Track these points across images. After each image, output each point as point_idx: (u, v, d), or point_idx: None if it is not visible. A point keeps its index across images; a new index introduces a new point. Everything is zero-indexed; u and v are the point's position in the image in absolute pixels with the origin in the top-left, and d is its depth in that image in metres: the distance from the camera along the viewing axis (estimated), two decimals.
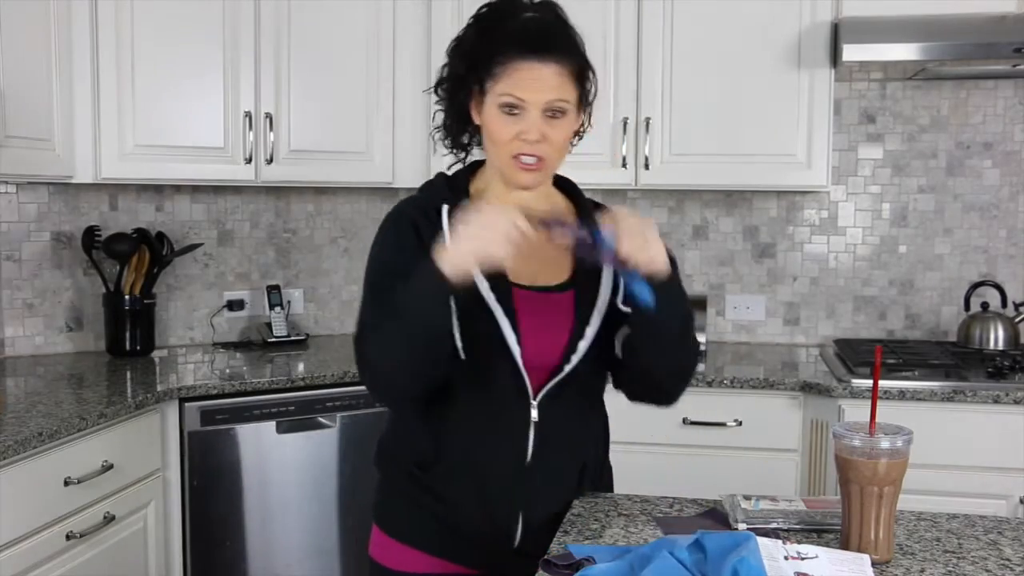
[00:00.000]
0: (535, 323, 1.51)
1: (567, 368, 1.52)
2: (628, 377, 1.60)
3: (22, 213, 2.97)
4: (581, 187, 1.67)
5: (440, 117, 1.59)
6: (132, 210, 3.18)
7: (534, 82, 1.45)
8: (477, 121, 1.53)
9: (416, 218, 1.53)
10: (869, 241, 3.35)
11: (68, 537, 2.18)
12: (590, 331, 1.53)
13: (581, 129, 1.58)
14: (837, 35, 2.91)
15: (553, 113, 1.47)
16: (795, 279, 3.40)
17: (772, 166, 3.04)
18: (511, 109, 1.46)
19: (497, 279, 1.48)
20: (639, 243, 1.38)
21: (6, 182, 2.90)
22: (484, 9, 1.53)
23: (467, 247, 1.36)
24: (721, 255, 3.43)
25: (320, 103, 3.06)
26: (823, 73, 2.97)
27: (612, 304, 1.55)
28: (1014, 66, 2.89)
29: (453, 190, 1.57)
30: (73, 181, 2.81)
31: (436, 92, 1.59)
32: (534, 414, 1.52)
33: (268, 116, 2.96)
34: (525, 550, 1.53)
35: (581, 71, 1.50)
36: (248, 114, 2.94)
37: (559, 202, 1.63)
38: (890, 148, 3.31)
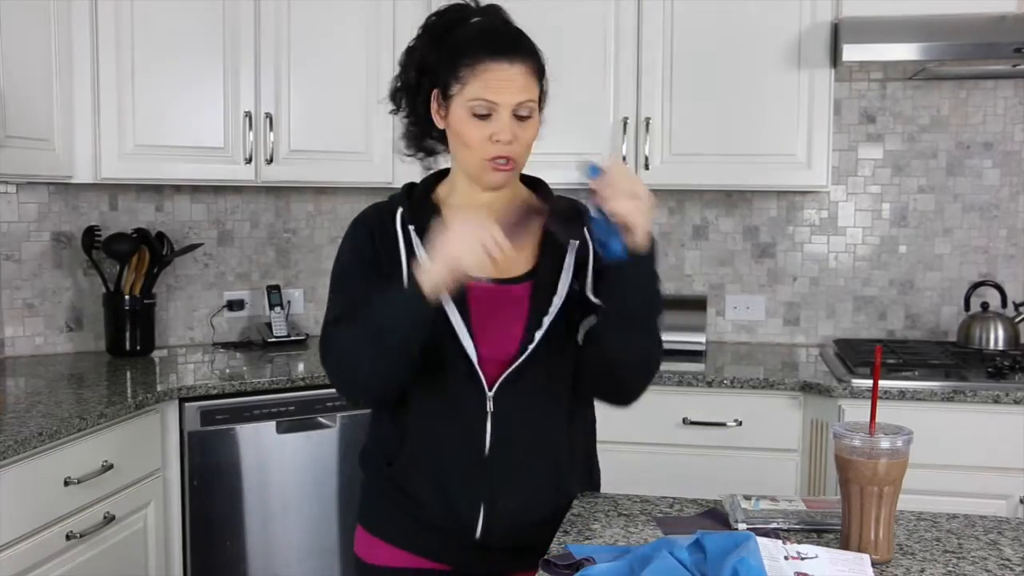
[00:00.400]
0: (489, 316, 1.52)
1: (521, 358, 1.52)
2: (590, 369, 1.57)
3: (22, 213, 2.97)
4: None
5: (400, 127, 1.63)
6: (132, 210, 3.18)
7: (504, 83, 1.47)
8: (441, 126, 1.55)
9: (372, 223, 1.58)
10: (869, 241, 3.35)
11: (68, 537, 2.18)
12: (547, 320, 1.53)
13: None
14: (837, 35, 2.91)
15: (522, 114, 1.49)
16: (795, 279, 3.40)
17: (772, 166, 3.03)
18: (482, 112, 1.48)
19: None
20: (626, 190, 1.37)
21: (6, 182, 2.90)
22: (432, 18, 1.56)
23: (443, 264, 1.39)
24: (721, 255, 3.43)
25: (320, 103, 3.06)
26: (823, 73, 2.97)
27: (577, 296, 1.55)
28: (1014, 66, 2.89)
29: (413, 196, 1.60)
30: (73, 181, 2.81)
31: (393, 103, 1.61)
32: (490, 406, 1.52)
33: (268, 116, 2.96)
34: (489, 543, 1.55)
35: (541, 71, 1.53)
36: (248, 114, 2.94)
37: (527, 199, 1.63)
38: (890, 148, 3.31)
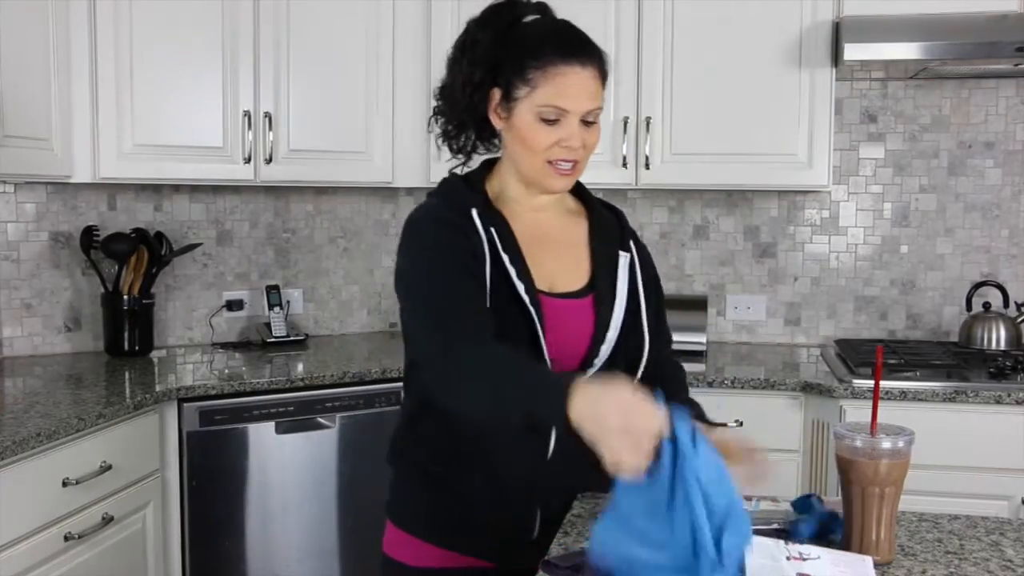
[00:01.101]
0: (558, 328, 1.50)
1: (590, 372, 1.51)
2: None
3: (20, 213, 2.96)
4: (606, 185, 1.67)
5: (442, 122, 1.56)
6: (131, 210, 3.17)
7: (576, 89, 1.44)
8: (499, 126, 1.51)
9: (456, 221, 1.48)
10: (870, 241, 3.34)
11: (66, 538, 2.17)
12: (611, 335, 1.53)
13: None
14: (838, 34, 2.91)
15: (589, 119, 1.47)
16: (796, 279, 3.39)
17: (773, 166, 3.03)
18: (551, 118, 1.44)
19: (528, 285, 1.47)
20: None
21: (4, 182, 2.89)
22: (486, 13, 1.51)
23: (619, 449, 1.14)
24: (722, 255, 3.43)
25: (320, 103, 3.05)
26: (824, 72, 2.97)
27: (632, 307, 1.55)
28: (1016, 65, 2.88)
29: (481, 196, 1.53)
30: (71, 181, 2.80)
31: (441, 96, 1.55)
32: None
33: (267, 116, 2.95)
34: (542, 541, 1.53)
35: (606, 75, 1.50)
36: (247, 113, 2.93)
37: (569, 202, 1.63)
38: (891, 147, 3.30)
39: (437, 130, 1.58)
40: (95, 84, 2.75)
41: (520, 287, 1.46)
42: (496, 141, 1.57)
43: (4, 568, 1.99)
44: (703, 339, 3.18)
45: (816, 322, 3.39)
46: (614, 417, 1.13)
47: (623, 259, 1.56)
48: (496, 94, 1.48)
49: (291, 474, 2.77)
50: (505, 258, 1.46)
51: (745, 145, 3.02)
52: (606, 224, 1.62)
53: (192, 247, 3.20)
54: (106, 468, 2.30)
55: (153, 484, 2.54)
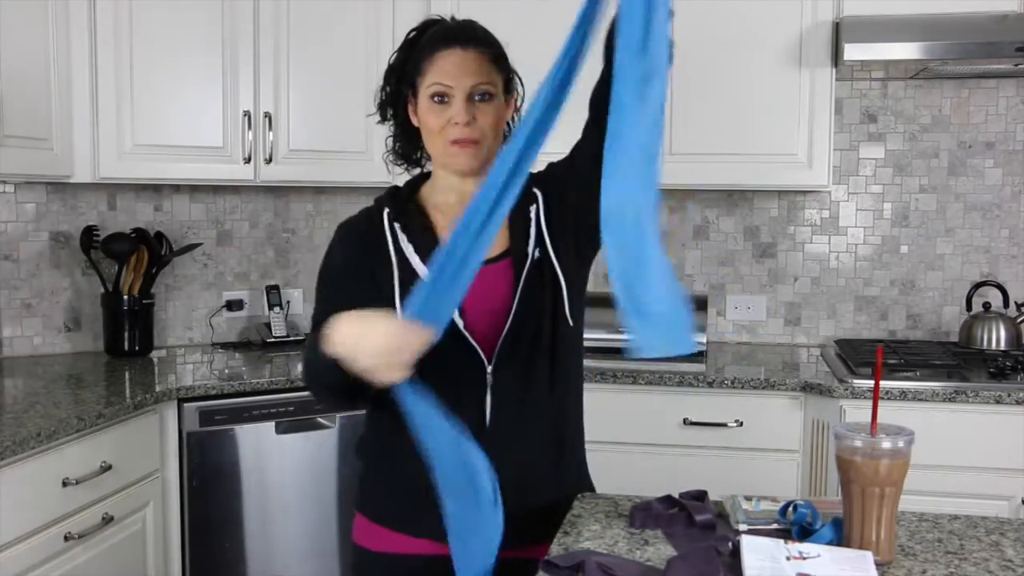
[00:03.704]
0: (476, 295, 1.53)
1: (508, 324, 1.56)
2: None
3: (20, 213, 2.96)
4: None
5: (390, 142, 1.72)
6: (131, 210, 3.17)
7: (456, 67, 1.56)
8: (416, 124, 1.64)
9: (360, 228, 1.66)
10: (870, 241, 3.34)
11: (66, 538, 2.17)
12: (521, 281, 1.58)
13: (511, 120, 1.66)
14: (838, 34, 2.91)
15: (480, 97, 1.57)
16: (796, 279, 3.39)
17: (773, 166, 3.03)
18: (440, 98, 1.56)
19: (431, 258, 1.55)
20: None
21: (4, 181, 2.89)
22: (410, 33, 1.66)
23: (346, 346, 1.43)
24: (722, 255, 3.42)
25: (320, 103, 3.05)
26: (824, 72, 2.97)
27: (550, 265, 1.61)
28: (1016, 65, 2.88)
29: (398, 197, 1.67)
30: (71, 180, 2.80)
31: (381, 115, 1.70)
32: (489, 379, 1.57)
33: (267, 115, 2.95)
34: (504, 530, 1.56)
35: (497, 57, 1.61)
36: (247, 113, 2.93)
37: None
38: (892, 147, 3.30)
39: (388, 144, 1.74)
40: (95, 84, 2.75)
41: (418, 266, 1.57)
42: None
43: (4, 568, 1.99)
44: (703, 339, 3.18)
45: (816, 322, 3.39)
46: (368, 342, 1.41)
47: (531, 211, 1.62)
48: (410, 96, 1.63)
49: (291, 474, 2.77)
50: (408, 247, 1.59)
51: (745, 145, 3.02)
52: (527, 189, 1.65)
53: (192, 247, 3.20)
54: (106, 468, 2.30)
55: (153, 484, 2.54)
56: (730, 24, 3.00)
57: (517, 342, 1.58)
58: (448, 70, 1.56)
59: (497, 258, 1.60)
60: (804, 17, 2.96)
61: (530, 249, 1.61)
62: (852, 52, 2.80)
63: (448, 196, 1.64)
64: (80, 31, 2.72)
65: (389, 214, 1.63)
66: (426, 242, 1.59)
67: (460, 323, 1.56)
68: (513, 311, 1.57)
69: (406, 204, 1.65)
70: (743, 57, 3.00)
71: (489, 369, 1.58)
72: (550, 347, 1.61)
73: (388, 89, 1.67)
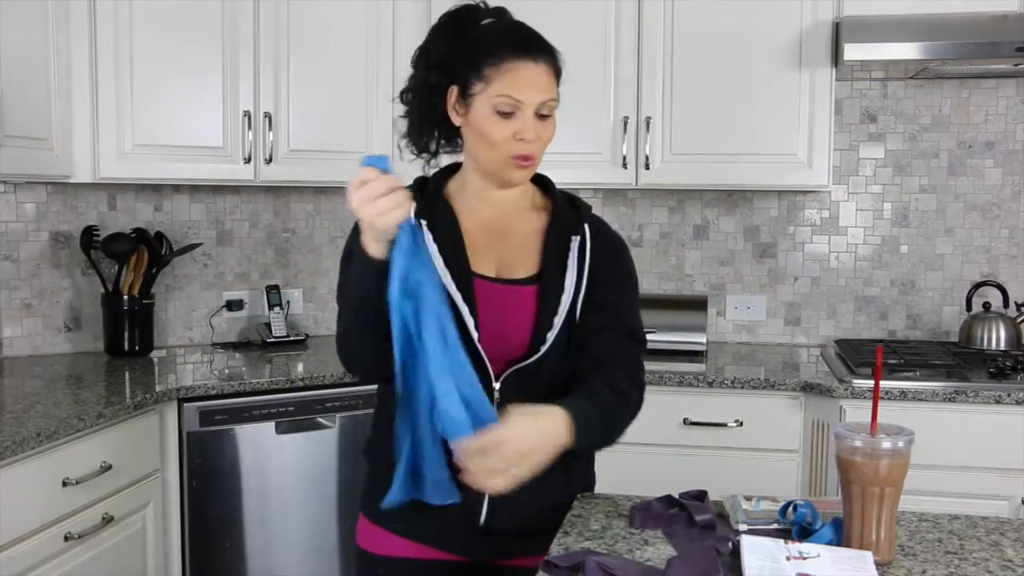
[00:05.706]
0: (495, 313, 1.53)
1: (535, 357, 1.54)
2: None
3: (20, 213, 2.96)
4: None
5: (406, 125, 1.63)
6: (131, 210, 3.17)
7: (529, 82, 1.50)
8: (457, 123, 1.57)
9: None
10: (870, 241, 3.34)
11: (66, 538, 2.17)
12: (557, 320, 1.55)
13: None
14: (838, 34, 2.91)
15: (544, 113, 1.52)
16: (796, 279, 3.39)
17: (773, 166, 3.03)
18: (506, 110, 1.50)
19: (461, 270, 1.53)
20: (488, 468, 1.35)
21: (4, 182, 2.89)
22: (444, 19, 1.57)
23: (365, 220, 1.36)
24: (722, 255, 3.42)
25: (320, 103, 3.05)
26: (824, 72, 2.97)
27: (579, 301, 1.58)
28: (1016, 65, 2.88)
29: (426, 192, 1.61)
30: (71, 181, 2.80)
31: (402, 101, 1.62)
32: (497, 395, 1.54)
33: (267, 115, 2.95)
34: (493, 529, 1.57)
35: (559, 72, 1.56)
36: (247, 113, 2.93)
37: (536, 198, 1.66)
38: (891, 147, 3.30)
39: (402, 131, 1.64)
40: (95, 84, 2.75)
41: (442, 269, 1.51)
42: (459, 141, 1.62)
43: (4, 568, 1.99)
44: (703, 339, 3.18)
45: (816, 322, 3.39)
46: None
47: (574, 243, 1.59)
48: (453, 92, 1.54)
49: (291, 474, 2.77)
50: (433, 247, 1.53)
51: (745, 145, 3.02)
52: (565, 215, 1.64)
53: (192, 247, 3.20)
54: (106, 468, 2.30)
55: (153, 484, 2.54)
56: (730, 24, 3.00)
57: (526, 369, 1.55)
58: (522, 84, 1.49)
59: (526, 280, 1.57)
60: (804, 17, 2.96)
61: (568, 281, 1.57)
62: (852, 52, 2.81)
63: (482, 208, 1.60)
64: (80, 31, 2.72)
65: (415, 210, 1.56)
66: (452, 243, 1.56)
67: (475, 335, 1.52)
68: (548, 342, 1.54)
69: (434, 200, 1.60)
70: (743, 57, 3.00)
71: (497, 386, 1.55)
72: (560, 372, 1.58)
73: (425, 78, 1.57)
